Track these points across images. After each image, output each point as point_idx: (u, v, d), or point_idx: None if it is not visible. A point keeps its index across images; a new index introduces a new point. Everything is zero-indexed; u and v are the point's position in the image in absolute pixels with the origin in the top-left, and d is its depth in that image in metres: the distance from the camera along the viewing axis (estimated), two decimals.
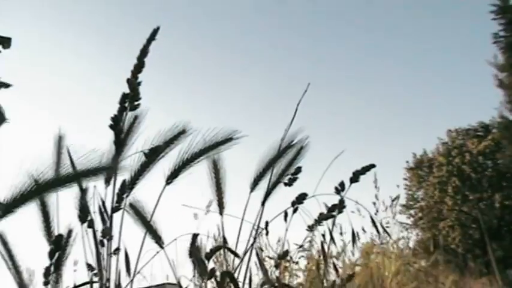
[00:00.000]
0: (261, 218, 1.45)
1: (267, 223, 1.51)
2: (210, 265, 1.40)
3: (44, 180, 0.99)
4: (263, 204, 1.45)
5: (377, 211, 4.97)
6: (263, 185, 1.45)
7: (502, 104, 15.00)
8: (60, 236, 1.20)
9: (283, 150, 1.42)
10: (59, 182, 1.00)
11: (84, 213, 1.25)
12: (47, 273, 1.23)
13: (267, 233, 1.53)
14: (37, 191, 1.00)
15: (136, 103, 1.19)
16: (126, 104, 1.18)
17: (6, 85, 2.18)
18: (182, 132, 1.20)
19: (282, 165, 1.44)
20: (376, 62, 26.80)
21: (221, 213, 1.45)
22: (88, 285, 1.35)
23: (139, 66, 1.19)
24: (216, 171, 1.45)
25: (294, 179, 1.45)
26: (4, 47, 2.19)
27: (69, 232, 1.21)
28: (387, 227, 4.87)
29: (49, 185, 0.99)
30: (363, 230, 4.58)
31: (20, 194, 0.97)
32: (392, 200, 5.08)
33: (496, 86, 14.81)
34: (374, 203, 4.99)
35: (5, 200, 0.98)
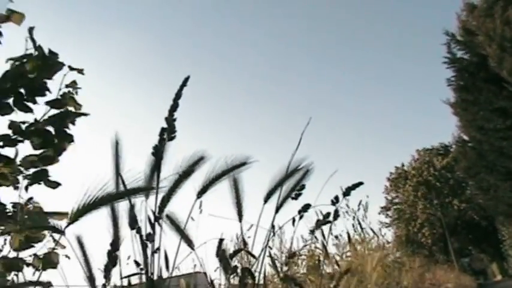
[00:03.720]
0: (273, 224, 1.43)
1: (273, 227, 1.49)
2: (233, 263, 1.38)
3: (102, 195, 0.98)
4: (276, 212, 1.43)
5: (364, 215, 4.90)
6: (274, 198, 1.43)
7: (458, 128, 15.16)
8: (116, 240, 1.18)
9: (291, 172, 1.40)
10: (113, 197, 0.99)
11: (133, 222, 1.23)
12: (107, 269, 1.22)
13: (273, 235, 1.51)
14: (97, 204, 0.98)
15: (172, 135, 1.18)
16: (164, 136, 1.17)
17: (85, 114, 2.15)
18: (202, 159, 1.18)
19: (291, 184, 1.42)
20: (366, 99, 26.96)
21: (240, 220, 1.42)
22: (136, 276, 1.33)
23: (174, 107, 1.18)
24: (236, 187, 1.42)
25: (299, 194, 1.43)
26: (81, 74, 2.15)
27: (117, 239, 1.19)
28: (361, 228, 4.82)
29: (106, 199, 0.97)
30: (353, 228, 4.54)
31: (83, 206, 0.96)
32: (358, 205, 4.98)
33: (452, 113, 14.94)
34: (358, 208, 4.93)
35: (73, 210, 0.96)
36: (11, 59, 2.08)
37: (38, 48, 2.04)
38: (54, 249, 2.06)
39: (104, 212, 1.26)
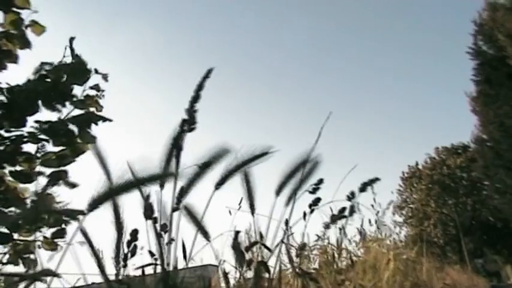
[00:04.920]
0: (288, 217, 1.42)
1: (287, 221, 1.48)
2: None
3: (116, 185, 0.98)
4: (287, 205, 1.42)
5: (378, 212, 4.85)
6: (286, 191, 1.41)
7: (476, 126, 14.89)
8: (135, 230, 1.20)
9: (299, 165, 1.38)
10: (127, 187, 0.99)
11: (149, 212, 1.23)
12: (125, 258, 1.23)
13: (290, 229, 1.50)
14: (112, 193, 0.98)
15: (192, 126, 1.17)
16: (185, 127, 1.17)
17: (109, 120, 2.19)
18: (226, 151, 1.17)
19: (300, 177, 1.40)
20: (386, 98, 26.69)
21: (252, 213, 1.41)
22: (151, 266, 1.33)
23: (195, 98, 1.18)
24: (247, 181, 1.40)
25: (317, 188, 1.42)
26: (105, 80, 2.20)
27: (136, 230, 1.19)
28: (384, 224, 4.78)
29: (121, 189, 0.97)
30: (369, 224, 4.50)
31: (99, 196, 0.96)
32: (388, 204, 4.96)
33: (471, 112, 14.68)
34: (372, 205, 4.88)
35: (90, 200, 0.97)
36: (44, 63, 2.13)
37: (75, 56, 2.09)
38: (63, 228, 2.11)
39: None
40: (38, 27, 2.29)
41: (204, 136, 1.37)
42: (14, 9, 2.21)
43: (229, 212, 2.49)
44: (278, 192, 1.41)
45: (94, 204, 0.95)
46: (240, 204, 2.00)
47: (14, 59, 2.26)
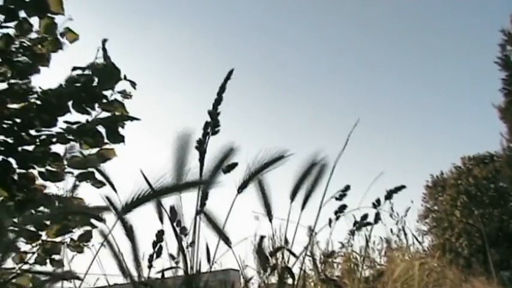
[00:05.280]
0: (314, 224, 1.40)
1: (312, 228, 1.46)
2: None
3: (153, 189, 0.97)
4: (302, 209, 1.39)
5: (397, 222, 4.77)
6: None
7: (504, 136, 14.53)
8: (161, 231, 1.20)
9: (308, 168, 1.35)
10: (163, 191, 0.98)
11: (173, 215, 1.23)
12: (151, 259, 1.23)
13: (315, 235, 1.48)
14: (149, 197, 0.98)
15: (216, 129, 1.17)
16: (208, 130, 1.17)
17: (137, 119, 2.22)
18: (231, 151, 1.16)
19: (311, 181, 1.37)
20: (412, 106, 26.28)
21: (270, 220, 1.39)
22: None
23: (218, 100, 1.18)
24: (261, 187, 1.38)
25: (344, 195, 1.40)
26: (133, 87, 2.23)
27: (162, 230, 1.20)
28: (405, 234, 4.70)
29: (157, 193, 0.97)
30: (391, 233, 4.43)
31: (137, 198, 0.96)
32: (406, 211, 4.85)
33: (500, 119, 14.35)
34: (391, 215, 4.80)
35: (126, 202, 0.97)
36: (77, 67, 2.18)
37: (107, 59, 2.13)
38: (89, 230, 2.14)
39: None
40: (72, 35, 2.34)
41: (223, 138, 1.36)
42: (49, 14, 2.27)
43: (256, 217, 2.49)
44: (292, 197, 1.38)
45: (130, 207, 0.95)
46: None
47: (46, 62, 2.32)
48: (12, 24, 2.24)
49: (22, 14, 2.27)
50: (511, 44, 13.58)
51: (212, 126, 1.16)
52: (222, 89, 1.19)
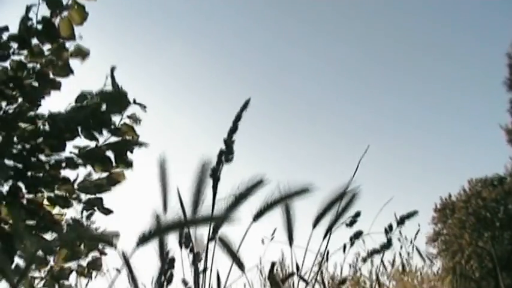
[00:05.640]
0: (325, 250, 1.39)
1: (324, 253, 1.45)
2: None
3: (164, 224, 0.97)
4: (325, 237, 1.39)
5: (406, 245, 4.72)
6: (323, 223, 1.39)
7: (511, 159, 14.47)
8: (173, 259, 1.20)
9: (338, 197, 1.36)
10: (175, 226, 0.98)
11: (188, 241, 1.23)
12: (162, 285, 1.23)
13: (327, 260, 1.48)
14: (160, 232, 0.97)
15: (230, 157, 1.18)
16: (223, 158, 1.17)
17: (145, 145, 2.24)
18: (261, 182, 1.16)
19: (339, 209, 1.38)
20: (419, 128, 26.28)
21: (291, 244, 1.39)
22: None
23: (233, 129, 1.19)
24: (287, 212, 1.39)
25: (354, 221, 1.40)
26: (143, 111, 2.26)
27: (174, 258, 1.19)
28: (411, 257, 4.65)
29: (169, 228, 0.96)
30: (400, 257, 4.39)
31: (149, 233, 0.95)
32: (416, 234, 4.80)
33: (507, 142, 14.30)
34: (399, 239, 4.75)
35: (139, 237, 0.96)
36: (85, 92, 2.22)
37: (115, 85, 2.16)
38: (98, 257, 2.14)
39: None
40: (82, 52, 2.37)
41: (239, 166, 1.37)
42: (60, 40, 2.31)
43: (262, 241, 2.48)
44: (315, 224, 1.39)
45: (143, 240, 0.94)
46: (273, 235, 1.99)
47: (57, 87, 2.35)
48: (24, 51, 2.29)
49: (34, 40, 2.32)
50: None
51: (226, 154, 1.17)
52: (238, 118, 1.20)
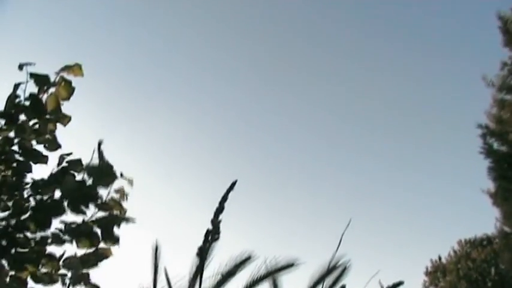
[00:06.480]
0: None
1: None
2: None
3: None
4: None
5: None
6: None
7: (499, 220, 14.51)
8: None
9: (329, 270, 1.38)
10: None
11: None
12: None
13: None
14: None
15: (216, 236, 1.20)
16: (209, 238, 1.19)
17: (133, 221, 2.25)
18: (248, 259, 1.19)
19: (329, 282, 1.40)
20: (406, 192, 26.48)
21: None
22: None
23: (220, 209, 1.22)
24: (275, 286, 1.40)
25: None
26: (130, 185, 2.28)
27: None
28: None
29: None
30: None
31: None
32: None
33: (492, 204, 14.39)
34: None
35: None
36: (66, 154, 2.25)
37: (102, 160, 2.20)
38: None
39: None
40: (65, 118, 2.42)
41: (226, 241, 1.39)
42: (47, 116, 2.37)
43: None
44: None
45: None
46: None
47: (45, 161, 2.38)
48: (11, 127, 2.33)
49: (22, 116, 2.36)
50: (491, 134, 14.04)
51: (213, 233, 1.19)
52: (224, 198, 1.23)
